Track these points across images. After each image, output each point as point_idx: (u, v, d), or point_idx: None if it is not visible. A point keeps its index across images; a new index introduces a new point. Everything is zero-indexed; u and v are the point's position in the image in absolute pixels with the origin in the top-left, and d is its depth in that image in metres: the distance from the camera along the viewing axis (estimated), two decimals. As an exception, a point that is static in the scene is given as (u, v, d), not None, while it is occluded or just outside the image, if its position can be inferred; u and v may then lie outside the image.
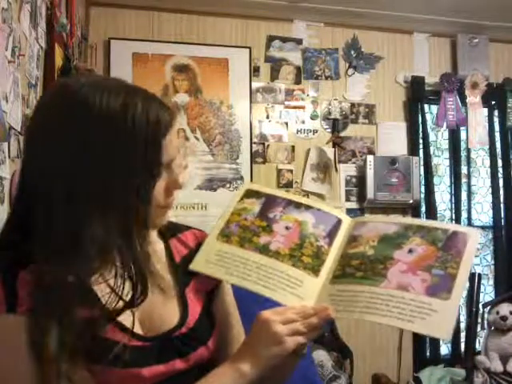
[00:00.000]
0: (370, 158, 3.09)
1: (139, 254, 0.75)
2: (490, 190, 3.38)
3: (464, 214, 3.32)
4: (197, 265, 0.85)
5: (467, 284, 0.75)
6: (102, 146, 0.71)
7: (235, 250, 0.85)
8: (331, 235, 0.88)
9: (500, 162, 3.36)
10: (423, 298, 0.76)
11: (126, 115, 0.71)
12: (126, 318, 0.76)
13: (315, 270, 0.83)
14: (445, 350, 3.26)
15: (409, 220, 0.88)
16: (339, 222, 0.90)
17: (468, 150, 3.39)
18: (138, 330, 0.79)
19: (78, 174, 0.70)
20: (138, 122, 0.72)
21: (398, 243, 0.83)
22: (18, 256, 0.72)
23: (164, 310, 0.82)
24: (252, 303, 0.83)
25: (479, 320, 2.74)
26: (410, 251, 0.82)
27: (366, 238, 0.86)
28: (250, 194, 0.94)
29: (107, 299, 0.73)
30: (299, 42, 3.19)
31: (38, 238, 0.70)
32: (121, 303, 0.73)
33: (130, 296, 0.75)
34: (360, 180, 3.17)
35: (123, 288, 0.73)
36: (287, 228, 0.88)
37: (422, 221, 0.91)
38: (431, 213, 3.18)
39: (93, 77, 0.78)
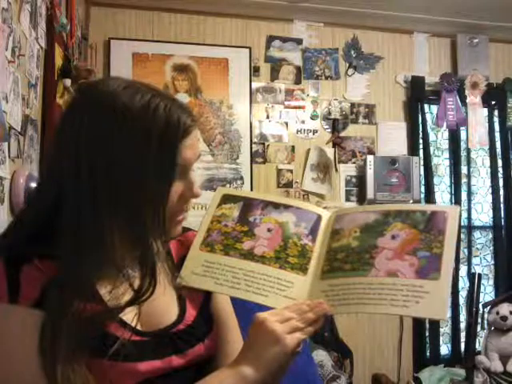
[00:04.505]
0: (370, 158, 3.09)
1: (151, 252, 0.76)
2: (490, 190, 3.39)
3: (464, 214, 3.32)
4: (184, 279, 0.84)
5: (453, 264, 0.76)
6: (120, 143, 0.72)
7: (220, 259, 0.84)
8: (313, 232, 0.87)
9: (500, 162, 3.37)
10: (414, 281, 0.76)
11: (146, 113, 0.73)
12: (126, 313, 0.77)
13: (303, 269, 0.83)
14: (445, 349, 3.26)
15: (386, 206, 0.88)
16: (319, 217, 0.90)
17: (468, 150, 3.38)
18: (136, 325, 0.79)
19: (99, 171, 0.72)
20: (157, 121, 0.74)
21: (380, 231, 0.83)
22: (21, 251, 0.73)
23: (163, 307, 0.83)
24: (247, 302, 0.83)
25: (479, 320, 2.74)
26: (393, 237, 0.82)
27: (348, 230, 0.86)
28: (226, 199, 0.93)
29: (114, 294, 0.74)
30: (299, 42, 3.19)
31: (64, 236, 0.72)
32: (126, 298, 0.75)
33: (135, 292, 0.76)
34: (360, 180, 3.17)
35: (132, 284, 0.75)
36: (269, 230, 0.87)
37: (399, 205, 0.91)
38: (431, 213, 3.17)
39: (125, 79, 0.79)
